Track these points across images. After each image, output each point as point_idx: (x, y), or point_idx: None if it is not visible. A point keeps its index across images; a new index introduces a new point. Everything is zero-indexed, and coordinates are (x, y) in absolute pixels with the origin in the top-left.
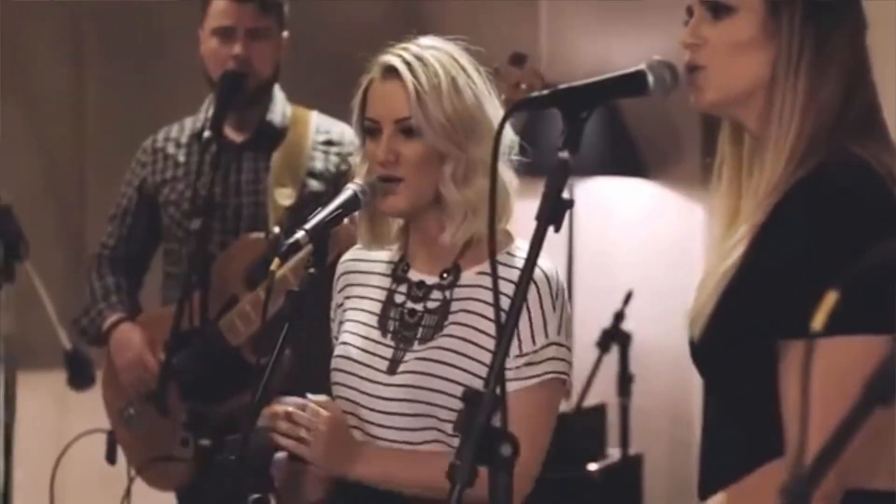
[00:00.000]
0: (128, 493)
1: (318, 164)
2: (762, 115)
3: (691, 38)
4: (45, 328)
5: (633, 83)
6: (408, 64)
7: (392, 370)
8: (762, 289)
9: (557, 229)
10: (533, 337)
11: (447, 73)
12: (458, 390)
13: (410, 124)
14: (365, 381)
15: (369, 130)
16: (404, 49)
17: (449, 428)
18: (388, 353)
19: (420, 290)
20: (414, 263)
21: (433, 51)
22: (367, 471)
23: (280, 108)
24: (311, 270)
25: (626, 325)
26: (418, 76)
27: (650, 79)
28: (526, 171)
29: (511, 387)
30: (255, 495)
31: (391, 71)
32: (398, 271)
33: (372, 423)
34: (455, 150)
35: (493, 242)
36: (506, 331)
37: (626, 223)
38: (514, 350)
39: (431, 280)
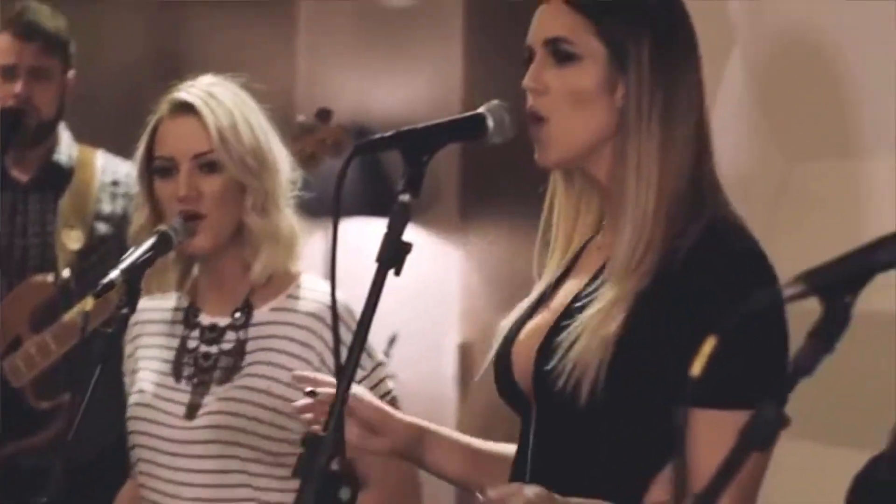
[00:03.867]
0: None
1: (106, 207)
2: (612, 168)
3: (533, 82)
4: None
5: (473, 126)
6: (202, 100)
7: (191, 415)
8: (664, 358)
9: (398, 273)
10: (361, 363)
11: (238, 107)
12: (263, 428)
13: (211, 159)
14: (163, 427)
15: (161, 170)
16: (191, 86)
17: (254, 468)
18: (185, 398)
19: (213, 333)
20: (204, 307)
21: (219, 87)
22: None
23: (66, 148)
24: (125, 311)
25: (390, 368)
26: (215, 111)
27: (490, 122)
28: (307, 210)
29: None
30: None
31: (185, 108)
32: (188, 317)
33: (174, 469)
34: (254, 182)
35: (333, 285)
36: (345, 374)
37: None
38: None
39: (224, 321)
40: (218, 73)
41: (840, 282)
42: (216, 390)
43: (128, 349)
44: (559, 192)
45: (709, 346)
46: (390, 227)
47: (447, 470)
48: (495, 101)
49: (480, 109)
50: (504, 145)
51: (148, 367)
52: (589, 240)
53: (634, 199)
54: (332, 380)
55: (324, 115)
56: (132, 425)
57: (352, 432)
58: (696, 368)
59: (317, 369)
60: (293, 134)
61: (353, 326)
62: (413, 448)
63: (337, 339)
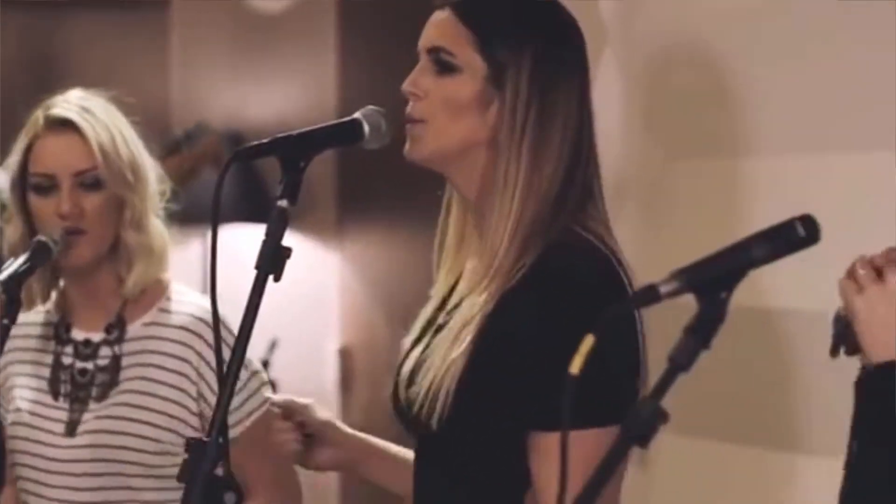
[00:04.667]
0: None
1: None
2: (477, 181)
3: (412, 87)
4: None
5: (349, 132)
6: (81, 116)
7: (70, 432)
8: (504, 383)
9: (277, 279)
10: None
11: (112, 122)
12: (144, 444)
13: (94, 176)
14: (43, 446)
15: (39, 187)
16: (65, 102)
17: (138, 483)
18: (64, 415)
19: (87, 349)
20: (76, 322)
21: (91, 102)
22: None
23: None
24: (5, 322)
25: (272, 373)
26: (95, 127)
27: (366, 127)
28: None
29: (238, 428)
30: None
31: (64, 124)
32: (60, 333)
33: (58, 487)
34: (132, 196)
35: (214, 308)
36: (227, 381)
37: None
38: None
39: (97, 337)
40: (92, 82)
41: (715, 278)
42: (94, 407)
43: None
44: (454, 207)
45: (587, 344)
46: (269, 232)
47: (391, 483)
48: (371, 107)
49: (356, 115)
50: (380, 150)
51: (23, 385)
52: None
53: (495, 224)
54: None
55: (201, 128)
56: (12, 444)
57: (296, 444)
58: (575, 367)
59: (194, 382)
60: (170, 148)
61: (229, 337)
62: (358, 461)
63: (219, 347)
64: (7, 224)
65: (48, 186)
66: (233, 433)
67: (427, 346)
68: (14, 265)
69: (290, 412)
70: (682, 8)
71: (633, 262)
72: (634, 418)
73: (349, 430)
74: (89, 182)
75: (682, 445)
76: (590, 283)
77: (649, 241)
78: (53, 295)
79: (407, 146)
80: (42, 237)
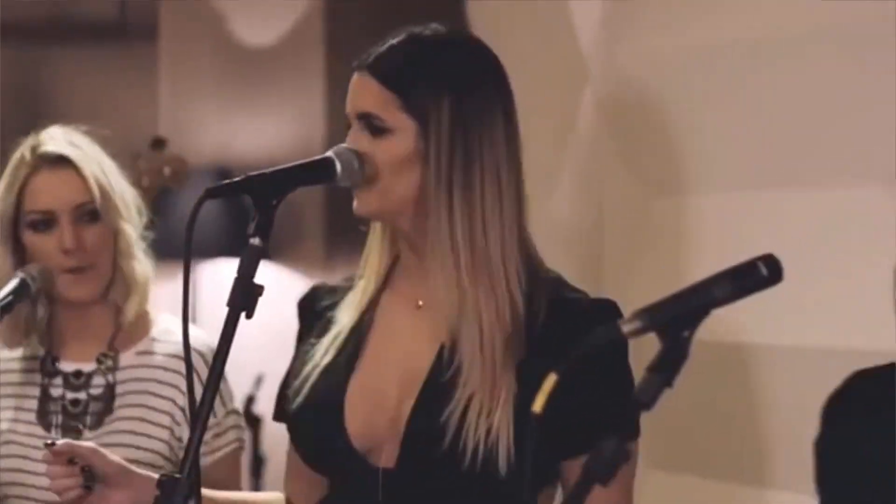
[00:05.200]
0: None
1: None
2: (426, 232)
3: (354, 146)
4: None
5: (321, 170)
6: (73, 151)
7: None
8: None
9: (249, 315)
10: (213, 409)
11: (99, 155)
12: (141, 469)
13: (92, 209)
14: (37, 477)
15: (36, 224)
16: (52, 139)
17: None
18: None
19: (78, 379)
20: (64, 354)
21: (76, 137)
22: None
23: None
24: None
25: (257, 409)
26: (88, 161)
27: (338, 166)
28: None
29: (203, 462)
30: None
31: (58, 160)
32: (46, 365)
33: None
34: (125, 226)
35: (186, 330)
36: (200, 416)
37: None
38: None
39: (88, 367)
40: (80, 115)
41: (677, 318)
42: (90, 435)
43: None
44: (376, 230)
45: (549, 383)
46: (240, 270)
47: None
48: (343, 145)
49: (328, 153)
50: None
51: (9, 418)
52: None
53: (441, 265)
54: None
55: (157, 143)
56: (3, 476)
57: (78, 489)
58: (538, 405)
59: (181, 409)
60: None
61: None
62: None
63: (190, 382)
64: None
65: (46, 222)
66: (205, 461)
67: (362, 372)
68: None
69: (74, 456)
70: (653, 54)
71: (613, 289)
72: (597, 457)
73: (143, 473)
74: (87, 215)
75: (666, 481)
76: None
77: (628, 270)
78: (32, 328)
79: (354, 204)
80: (22, 273)
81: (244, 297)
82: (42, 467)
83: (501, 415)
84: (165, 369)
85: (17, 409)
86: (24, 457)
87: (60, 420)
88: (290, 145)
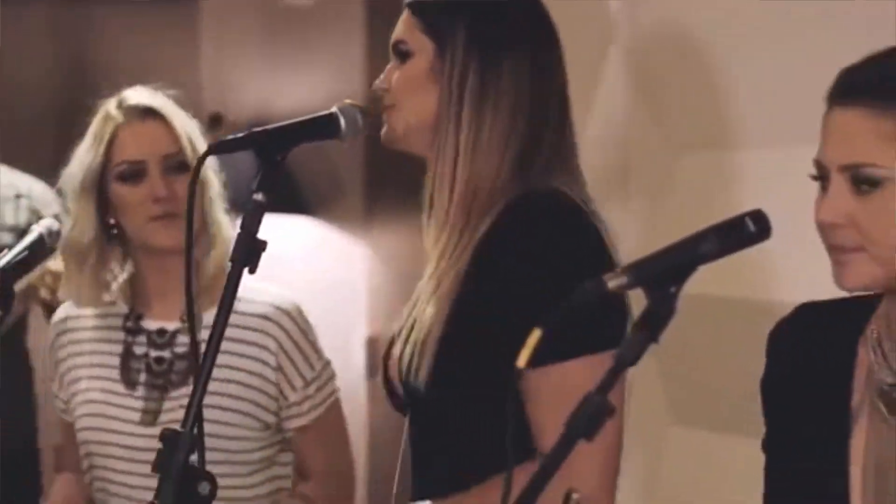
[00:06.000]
0: None
1: (9, 219)
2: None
3: (380, 83)
4: None
5: (325, 126)
6: (160, 103)
7: (150, 421)
8: (486, 331)
9: (252, 271)
10: (310, 363)
11: (179, 109)
12: (225, 430)
13: (181, 159)
14: (119, 435)
15: (125, 175)
16: (137, 93)
17: (219, 469)
18: (139, 404)
19: (162, 338)
20: (147, 312)
21: (157, 93)
22: None
23: None
24: None
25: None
26: (176, 113)
27: (342, 122)
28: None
29: (312, 415)
30: None
31: (147, 112)
32: (129, 324)
33: (134, 475)
34: (212, 177)
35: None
36: (204, 369)
37: (290, 261)
38: (297, 381)
39: (172, 326)
40: (124, 74)
41: (664, 273)
42: (175, 394)
43: (60, 354)
44: None
45: (534, 338)
46: (244, 225)
47: None
48: (348, 101)
49: (333, 109)
50: None
51: (91, 376)
52: None
53: (438, 188)
54: None
55: (215, 121)
56: (83, 435)
57: None
58: (522, 360)
59: (274, 369)
60: None
61: (306, 328)
62: None
63: (193, 337)
64: (75, 223)
65: (136, 173)
66: (306, 420)
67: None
68: (9, 255)
69: None
70: (685, 6)
71: (637, 248)
72: (580, 413)
73: None
74: (176, 165)
75: (687, 437)
76: (558, 219)
77: (653, 228)
78: (114, 287)
79: (381, 133)
80: (39, 227)
81: (247, 253)
82: (123, 425)
83: (428, 330)
84: (252, 329)
85: (97, 366)
86: (105, 415)
87: (144, 378)
88: (329, 102)
